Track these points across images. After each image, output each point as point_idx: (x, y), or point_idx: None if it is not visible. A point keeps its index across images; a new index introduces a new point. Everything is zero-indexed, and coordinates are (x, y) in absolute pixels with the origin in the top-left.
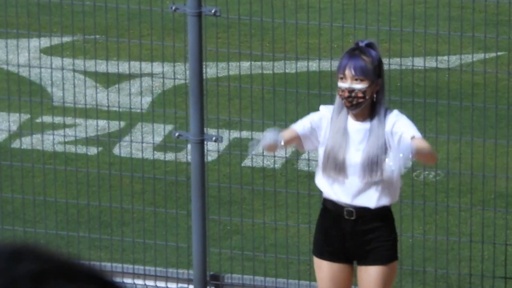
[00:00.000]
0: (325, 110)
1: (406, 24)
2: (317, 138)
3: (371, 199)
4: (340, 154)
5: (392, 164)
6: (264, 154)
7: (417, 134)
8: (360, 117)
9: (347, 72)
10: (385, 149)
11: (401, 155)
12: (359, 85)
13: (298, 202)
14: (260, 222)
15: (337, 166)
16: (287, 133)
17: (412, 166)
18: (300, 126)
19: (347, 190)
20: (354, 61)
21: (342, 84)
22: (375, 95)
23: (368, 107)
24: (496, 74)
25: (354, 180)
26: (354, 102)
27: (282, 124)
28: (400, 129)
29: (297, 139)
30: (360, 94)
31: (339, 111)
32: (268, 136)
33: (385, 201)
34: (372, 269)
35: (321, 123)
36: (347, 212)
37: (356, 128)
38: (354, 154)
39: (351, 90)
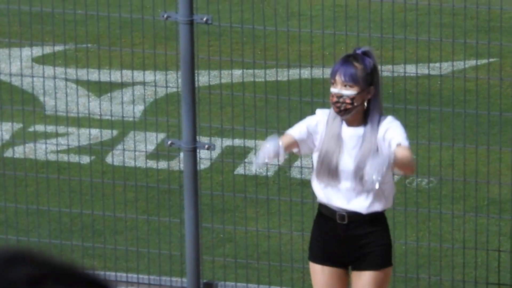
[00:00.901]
0: (322, 114)
1: (398, 31)
2: (313, 142)
3: (363, 205)
4: (334, 160)
5: (373, 173)
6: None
7: (404, 142)
8: (353, 123)
9: (337, 77)
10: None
11: (381, 166)
12: (347, 91)
13: (291, 210)
14: (253, 230)
15: (330, 171)
16: (285, 139)
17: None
18: (297, 131)
19: (339, 195)
20: (345, 67)
21: (332, 89)
22: (366, 103)
23: (361, 114)
24: (488, 81)
25: (346, 185)
26: (342, 108)
27: (274, 132)
28: (390, 135)
29: (295, 145)
30: (348, 100)
31: (334, 116)
32: (268, 146)
33: (377, 207)
34: (365, 274)
35: (317, 127)
36: (339, 216)
37: (350, 133)
38: (347, 159)
39: (339, 96)
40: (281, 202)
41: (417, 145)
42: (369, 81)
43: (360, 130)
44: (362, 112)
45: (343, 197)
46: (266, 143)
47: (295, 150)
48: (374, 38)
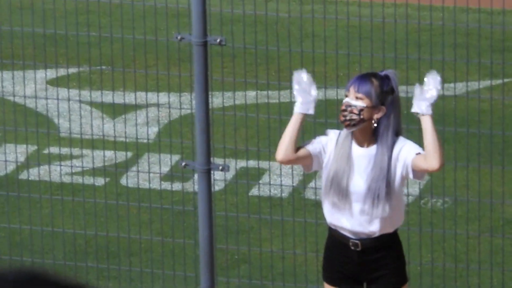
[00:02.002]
0: (332, 134)
1: (412, 51)
2: (322, 159)
3: (375, 228)
4: (344, 180)
5: (420, 108)
6: (271, 183)
7: (423, 151)
8: (364, 143)
9: (351, 88)
10: (388, 179)
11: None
12: (357, 102)
13: (306, 231)
14: (268, 251)
15: (340, 192)
16: (301, 151)
17: (420, 194)
18: (311, 145)
19: (350, 218)
20: (361, 80)
21: (344, 100)
22: (376, 120)
23: (370, 133)
24: (503, 101)
25: (357, 207)
26: (348, 118)
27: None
28: (406, 153)
29: (309, 159)
30: (355, 111)
31: (344, 136)
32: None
33: (389, 229)
34: None
35: (327, 146)
36: (352, 243)
37: (361, 153)
38: (358, 180)
39: (348, 105)
40: (296, 223)
41: None
42: (381, 99)
43: (371, 150)
44: (371, 132)
45: (354, 220)
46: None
47: (306, 164)
48: (388, 58)
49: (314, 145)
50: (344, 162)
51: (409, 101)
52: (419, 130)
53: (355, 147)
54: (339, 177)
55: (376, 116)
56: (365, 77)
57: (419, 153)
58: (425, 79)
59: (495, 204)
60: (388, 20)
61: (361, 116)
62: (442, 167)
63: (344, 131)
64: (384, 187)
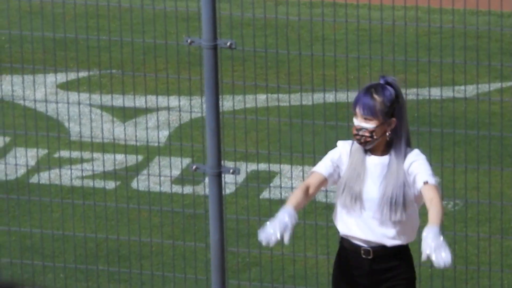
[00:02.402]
0: (343, 145)
1: (422, 54)
2: (339, 174)
3: (387, 237)
4: (357, 186)
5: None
6: (282, 186)
7: (431, 180)
8: (377, 152)
9: (357, 110)
10: (404, 187)
11: (433, 244)
12: (366, 125)
13: (316, 234)
14: (279, 254)
15: (353, 196)
16: (313, 180)
17: None
18: (323, 167)
19: (363, 226)
20: (364, 100)
21: (354, 120)
22: (388, 133)
23: (383, 144)
24: None
25: (370, 215)
26: (362, 140)
27: (299, 156)
28: (416, 170)
29: (324, 182)
30: (367, 133)
31: (358, 145)
32: (286, 219)
33: (402, 240)
34: None
35: (341, 159)
36: (364, 251)
37: (375, 162)
38: (372, 187)
39: (359, 128)
40: (307, 226)
41: (442, 168)
42: (389, 113)
43: (385, 158)
44: (385, 142)
45: (367, 228)
46: (283, 217)
47: (324, 186)
48: (398, 61)
49: (327, 168)
50: (358, 168)
51: (419, 103)
52: (430, 133)
53: (368, 155)
54: (352, 182)
55: (389, 129)
56: (367, 95)
57: (427, 182)
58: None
59: (505, 206)
60: (398, 23)
61: (374, 137)
62: None
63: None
64: (401, 194)
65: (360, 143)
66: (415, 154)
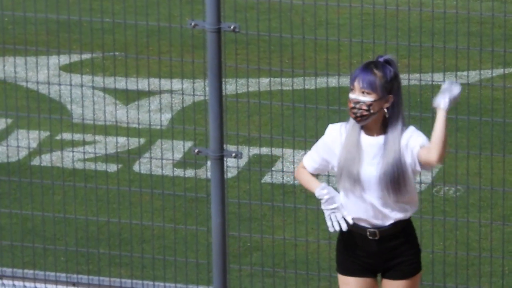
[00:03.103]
0: (334, 129)
1: (425, 39)
2: (328, 163)
3: (391, 216)
4: (354, 168)
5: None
6: (284, 170)
7: (428, 144)
8: (373, 132)
9: (356, 83)
10: (401, 166)
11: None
12: (364, 98)
13: (318, 218)
14: (280, 239)
15: (351, 178)
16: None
17: (432, 182)
18: (310, 163)
19: (366, 208)
20: (364, 74)
21: (350, 95)
22: (386, 111)
23: (380, 122)
24: None
25: (371, 195)
26: (358, 114)
27: (301, 141)
28: (413, 143)
29: (326, 164)
30: (364, 107)
31: (353, 124)
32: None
33: (405, 214)
34: (396, 284)
35: (334, 144)
36: (370, 233)
37: (369, 142)
38: (368, 168)
39: (356, 102)
40: (308, 211)
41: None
42: (388, 89)
43: (380, 139)
44: (381, 121)
45: (371, 209)
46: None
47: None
48: (402, 46)
49: (314, 163)
50: (354, 151)
51: (422, 89)
52: (432, 118)
53: (363, 136)
54: (349, 164)
55: (386, 105)
56: (367, 70)
57: (424, 145)
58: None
59: (507, 192)
60: (402, 8)
61: (371, 111)
62: (441, 162)
63: (351, 120)
64: (399, 172)
65: (356, 118)
66: (411, 130)
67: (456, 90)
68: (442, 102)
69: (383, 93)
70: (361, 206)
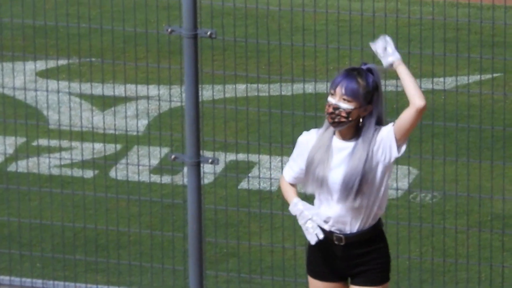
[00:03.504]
0: (308, 134)
1: (402, 45)
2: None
3: (357, 222)
4: (320, 170)
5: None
6: (261, 176)
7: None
8: (345, 136)
9: (338, 89)
10: (364, 172)
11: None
12: (345, 105)
13: (295, 225)
14: (257, 245)
15: (318, 181)
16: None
17: (409, 188)
18: (289, 174)
19: (333, 212)
20: (348, 81)
21: (330, 99)
22: (362, 119)
23: (354, 128)
24: (492, 96)
25: (338, 200)
26: (336, 120)
27: (278, 147)
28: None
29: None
30: (343, 114)
31: (326, 128)
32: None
33: (373, 220)
34: None
35: (307, 149)
36: (336, 238)
37: (340, 146)
38: (335, 172)
39: (336, 107)
40: (285, 217)
41: (421, 160)
42: (368, 99)
43: (351, 144)
44: (355, 127)
45: (337, 213)
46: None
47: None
48: None
49: (293, 174)
50: (322, 153)
51: (398, 95)
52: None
53: (335, 139)
54: (315, 165)
55: (363, 114)
56: (351, 77)
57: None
58: (378, 41)
59: (483, 199)
60: (378, 14)
61: (350, 118)
62: (425, 107)
63: (325, 123)
64: (360, 179)
65: (333, 123)
66: (380, 128)
67: (387, 40)
68: (391, 57)
69: (364, 103)
70: (328, 210)
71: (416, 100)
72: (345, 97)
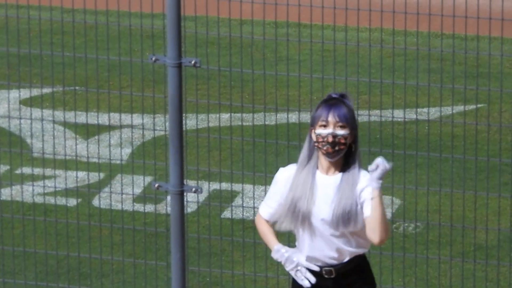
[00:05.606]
0: (286, 170)
1: (386, 76)
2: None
3: (346, 252)
4: (302, 205)
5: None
6: (244, 205)
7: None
8: (329, 170)
9: (330, 118)
10: (353, 205)
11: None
12: (341, 131)
13: None
14: (240, 274)
15: (298, 217)
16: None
17: (392, 218)
18: (266, 212)
19: (319, 246)
20: (336, 108)
21: (323, 131)
22: (353, 145)
23: (342, 160)
24: (476, 126)
25: (324, 233)
26: (337, 148)
27: (261, 176)
28: (366, 195)
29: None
30: (342, 140)
31: (304, 164)
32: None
33: (360, 249)
34: None
35: (286, 184)
36: (326, 271)
37: (324, 182)
38: (323, 207)
39: (334, 136)
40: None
41: (404, 190)
42: (354, 123)
43: (336, 178)
44: (343, 157)
45: (324, 247)
46: (295, 260)
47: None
48: (362, 82)
49: (270, 211)
50: (307, 189)
51: (382, 125)
52: (392, 155)
53: (319, 175)
54: (300, 202)
55: (351, 140)
56: (337, 104)
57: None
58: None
59: (467, 229)
60: (362, 44)
61: (347, 144)
62: (382, 243)
63: (302, 159)
64: (353, 207)
65: (333, 152)
66: (366, 178)
67: (387, 166)
68: (376, 183)
69: (354, 126)
70: (314, 245)
71: (375, 236)
72: (340, 123)
